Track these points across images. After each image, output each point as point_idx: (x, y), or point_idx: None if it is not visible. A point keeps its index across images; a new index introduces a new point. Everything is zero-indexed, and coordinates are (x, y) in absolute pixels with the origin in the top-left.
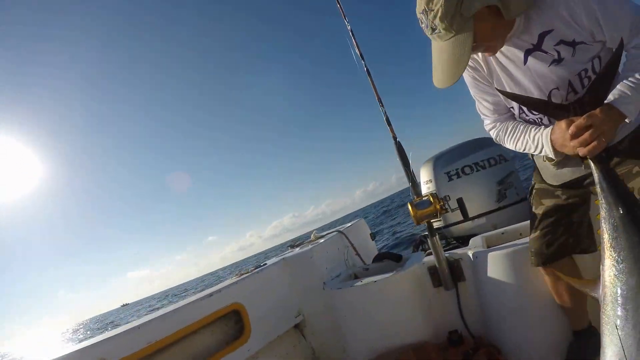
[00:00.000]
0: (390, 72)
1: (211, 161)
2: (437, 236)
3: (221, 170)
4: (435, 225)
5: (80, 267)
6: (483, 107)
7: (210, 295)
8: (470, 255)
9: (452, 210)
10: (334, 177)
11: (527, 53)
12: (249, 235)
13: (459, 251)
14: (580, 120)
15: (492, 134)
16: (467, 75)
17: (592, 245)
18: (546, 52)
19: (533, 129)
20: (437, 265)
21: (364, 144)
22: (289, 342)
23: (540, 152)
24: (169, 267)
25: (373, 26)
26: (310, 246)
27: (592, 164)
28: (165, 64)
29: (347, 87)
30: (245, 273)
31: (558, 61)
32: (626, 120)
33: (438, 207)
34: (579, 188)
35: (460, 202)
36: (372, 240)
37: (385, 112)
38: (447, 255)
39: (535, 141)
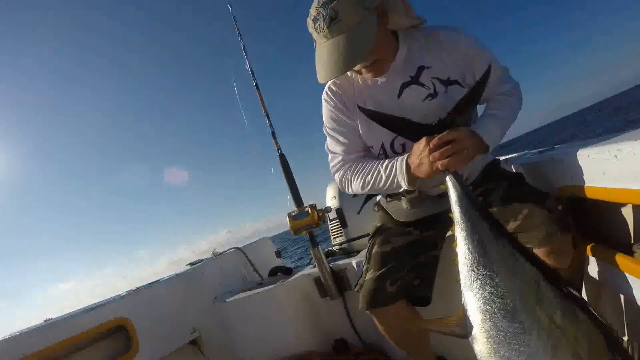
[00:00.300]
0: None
1: (145, 173)
2: (319, 247)
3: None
4: (338, 239)
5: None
6: (335, 143)
7: (93, 309)
8: (354, 264)
9: (331, 221)
10: (269, 194)
11: (403, 86)
12: (183, 249)
13: (344, 261)
14: (443, 134)
15: (338, 175)
16: (326, 108)
17: (429, 298)
18: (423, 85)
19: (387, 160)
20: (321, 276)
21: (304, 161)
22: (185, 358)
23: (391, 183)
24: (97, 280)
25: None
26: (203, 263)
27: (449, 182)
28: None
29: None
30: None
31: (433, 96)
32: (488, 148)
33: (316, 217)
34: (434, 227)
35: (339, 212)
36: (278, 257)
37: (271, 125)
38: (331, 266)
39: (388, 170)
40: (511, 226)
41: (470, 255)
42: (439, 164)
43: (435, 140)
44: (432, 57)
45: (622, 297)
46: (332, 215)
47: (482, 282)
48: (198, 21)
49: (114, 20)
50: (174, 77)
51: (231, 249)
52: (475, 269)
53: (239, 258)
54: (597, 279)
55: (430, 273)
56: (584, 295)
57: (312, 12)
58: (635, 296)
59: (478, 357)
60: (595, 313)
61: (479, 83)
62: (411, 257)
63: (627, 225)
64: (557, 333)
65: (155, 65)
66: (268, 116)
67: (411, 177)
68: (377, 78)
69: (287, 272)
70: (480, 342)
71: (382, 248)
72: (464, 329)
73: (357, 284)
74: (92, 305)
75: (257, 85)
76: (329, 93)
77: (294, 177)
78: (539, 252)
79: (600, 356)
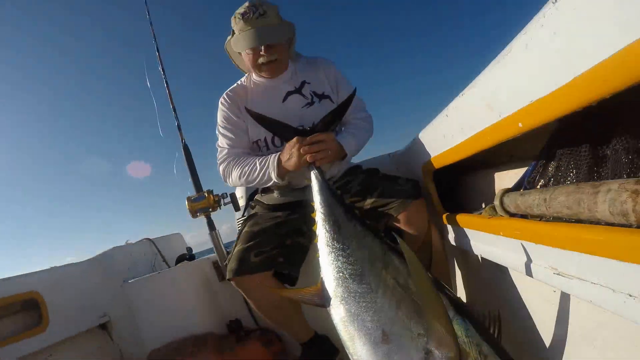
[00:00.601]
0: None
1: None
2: (216, 231)
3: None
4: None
5: None
6: (224, 139)
7: (4, 280)
8: None
9: (225, 204)
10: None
11: (288, 94)
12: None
13: None
14: (314, 135)
15: (222, 166)
16: (221, 110)
17: (295, 278)
18: (303, 95)
19: (264, 156)
20: (218, 260)
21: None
22: (93, 341)
23: (263, 175)
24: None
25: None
26: (114, 249)
27: (313, 175)
28: None
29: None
30: None
31: (310, 104)
32: (346, 155)
33: (212, 200)
34: (299, 212)
35: (232, 196)
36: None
37: (177, 118)
38: (228, 250)
39: (262, 163)
40: (369, 202)
41: (327, 234)
42: (307, 157)
43: (308, 140)
44: (312, 75)
45: (467, 253)
46: (227, 200)
47: (336, 255)
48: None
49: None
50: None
51: (143, 239)
52: (330, 244)
53: (149, 249)
54: (453, 243)
55: (296, 256)
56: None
57: (242, 10)
58: (473, 247)
59: (335, 322)
60: (430, 274)
61: (347, 101)
62: (277, 237)
63: (479, 191)
64: (400, 291)
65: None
66: (175, 109)
67: (281, 170)
68: (269, 78)
69: (191, 258)
70: (335, 306)
71: (252, 228)
72: (322, 298)
73: (226, 260)
74: (4, 277)
75: (166, 83)
76: (226, 97)
77: (195, 165)
78: (400, 219)
79: (436, 309)
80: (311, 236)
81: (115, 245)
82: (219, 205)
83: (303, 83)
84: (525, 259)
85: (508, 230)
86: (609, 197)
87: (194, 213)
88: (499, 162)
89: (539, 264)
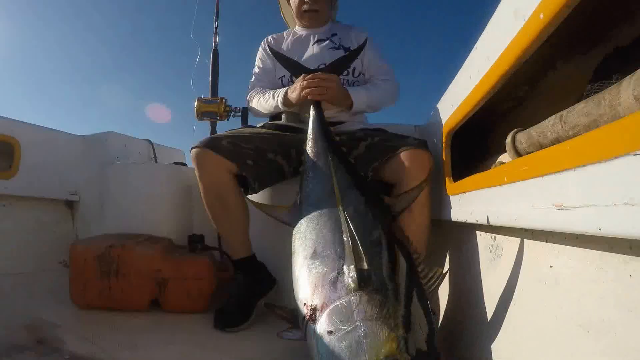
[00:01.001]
0: None
1: None
2: None
3: None
4: None
5: None
6: (256, 75)
7: None
8: None
9: (235, 115)
10: None
11: (319, 41)
12: None
13: None
14: (316, 74)
15: (249, 94)
16: (259, 52)
17: (255, 189)
18: (332, 41)
19: (280, 89)
20: None
21: None
22: (54, 213)
23: (272, 101)
24: None
25: None
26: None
27: (311, 109)
28: None
29: None
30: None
31: (335, 49)
32: (352, 105)
33: (222, 108)
34: (294, 133)
35: (244, 111)
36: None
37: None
38: None
39: (276, 94)
40: (364, 143)
41: (311, 161)
42: (305, 92)
43: (309, 76)
44: (345, 33)
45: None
46: (238, 113)
47: (309, 181)
48: None
49: None
50: None
51: (144, 139)
52: (311, 170)
53: (146, 150)
54: (455, 218)
55: (267, 173)
56: None
57: None
58: (472, 213)
59: (294, 239)
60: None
61: (358, 48)
62: (261, 144)
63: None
64: (340, 222)
65: None
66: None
67: (286, 100)
68: (307, 28)
69: (183, 165)
70: (296, 225)
71: (242, 130)
72: (291, 218)
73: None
74: None
75: None
76: (265, 40)
77: (219, 72)
78: (403, 156)
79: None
80: (295, 166)
81: (112, 131)
82: (228, 116)
83: (334, 35)
84: (526, 204)
85: (511, 172)
86: (634, 79)
87: (200, 114)
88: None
89: (541, 205)
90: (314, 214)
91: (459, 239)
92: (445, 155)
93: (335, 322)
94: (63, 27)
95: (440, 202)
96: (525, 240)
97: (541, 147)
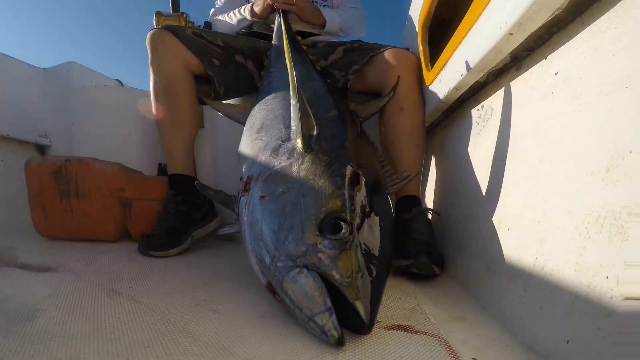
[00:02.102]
0: None
1: None
2: None
3: None
4: None
5: None
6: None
7: None
8: None
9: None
10: None
11: None
12: None
13: None
14: None
15: (211, 15)
16: None
17: (218, 93)
18: None
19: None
20: None
21: None
22: (22, 158)
23: (240, 16)
24: None
25: None
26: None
27: (277, 16)
28: None
29: None
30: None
31: None
32: (325, 24)
33: (182, 23)
34: (267, 45)
35: (207, 25)
36: None
37: None
38: None
39: (241, 9)
40: (341, 48)
41: (271, 62)
42: (269, 0)
43: None
44: None
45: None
46: (202, 26)
47: (269, 78)
48: None
49: None
50: None
51: (114, 78)
52: (269, 70)
53: (118, 86)
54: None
55: (234, 75)
56: None
57: None
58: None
59: (245, 126)
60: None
61: None
62: (230, 43)
63: None
64: (315, 99)
65: None
66: None
67: (252, 10)
68: None
69: None
70: (254, 111)
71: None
72: (245, 117)
73: None
74: None
75: None
76: None
77: None
78: (388, 54)
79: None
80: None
81: (74, 61)
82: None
83: None
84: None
85: None
86: None
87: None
88: None
89: None
90: (267, 98)
91: (447, 138)
92: (422, 47)
93: (270, 185)
94: None
95: (424, 99)
96: (512, 77)
97: None
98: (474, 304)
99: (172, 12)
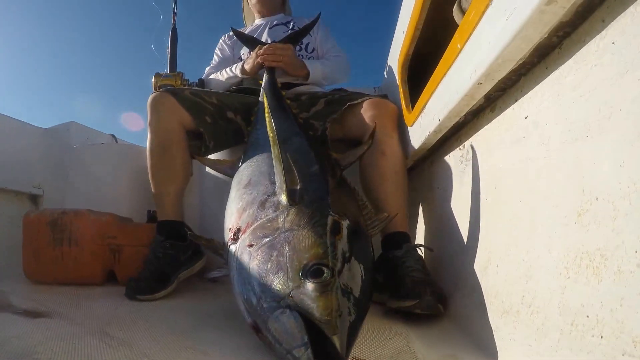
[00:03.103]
0: None
1: None
2: None
3: None
4: None
5: None
6: (216, 60)
7: None
8: None
9: (189, 85)
10: None
11: (276, 25)
12: None
13: None
14: (270, 44)
15: (205, 76)
16: (220, 42)
17: (208, 148)
18: (287, 27)
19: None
20: None
21: None
22: (18, 208)
23: (231, 74)
24: None
25: None
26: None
27: (265, 74)
28: None
29: None
30: None
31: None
32: (308, 74)
33: (179, 82)
34: (254, 94)
35: (201, 82)
36: None
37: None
38: None
39: (233, 67)
40: (323, 100)
41: (258, 119)
42: (259, 59)
43: (266, 45)
44: (300, 22)
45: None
46: (195, 83)
47: (259, 132)
48: None
49: None
50: None
51: (109, 134)
52: (258, 123)
53: (111, 144)
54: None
55: (224, 133)
56: None
57: None
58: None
59: (233, 181)
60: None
61: (311, 23)
62: (223, 101)
63: None
64: (298, 155)
65: None
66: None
67: (243, 70)
68: (263, 17)
69: None
70: (241, 168)
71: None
72: (234, 170)
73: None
74: None
75: None
76: (224, 36)
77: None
78: (367, 104)
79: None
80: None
81: (74, 121)
82: (184, 86)
83: (290, 21)
84: (482, 46)
85: (462, 30)
86: None
87: (157, 88)
88: None
89: (499, 28)
90: (254, 154)
91: (433, 177)
92: (402, 89)
93: (258, 235)
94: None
95: (405, 141)
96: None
97: None
98: (467, 342)
99: (170, 72)
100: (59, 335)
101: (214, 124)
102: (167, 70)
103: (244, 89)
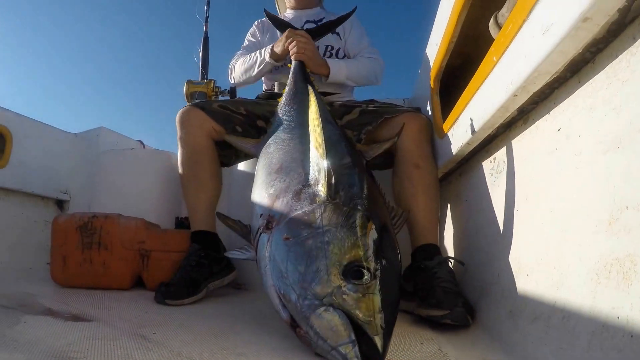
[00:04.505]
0: None
1: None
2: None
3: None
4: None
5: None
6: (246, 44)
7: None
8: None
9: (222, 95)
10: None
11: (307, 22)
12: None
13: None
14: (300, 31)
15: (232, 61)
16: (252, 27)
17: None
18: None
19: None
20: None
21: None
22: (44, 211)
23: (259, 57)
24: None
25: None
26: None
27: (293, 62)
28: None
29: None
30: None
31: None
32: (329, 73)
33: (211, 88)
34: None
35: (232, 90)
36: None
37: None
38: None
39: (261, 52)
40: (357, 110)
41: (286, 101)
42: (287, 46)
43: (290, 33)
44: (332, 17)
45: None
46: (227, 90)
47: (282, 114)
48: None
49: None
50: None
51: (137, 140)
52: (282, 108)
53: (139, 149)
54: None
55: (252, 138)
56: None
57: None
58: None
59: (258, 162)
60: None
61: (342, 17)
62: (252, 109)
63: None
64: (329, 145)
65: None
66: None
67: (272, 51)
68: (296, 10)
69: None
70: (262, 153)
71: (236, 99)
72: (258, 149)
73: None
74: None
75: None
76: (257, 22)
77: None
78: (402, 118)
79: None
80: None
81: (103, 126)
82: (217, 96)
83: (322, 19)
84: (517, 64)
85: (499, 43)
86: None
87: (189, 97)
88: None
89: (534, 45)
90: (283, 137)
91: (462, 188)
92: (434, 101)
93: (294, 229)
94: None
95: (437, 152)
96: (520, 130)
97: None
98: (497, 347)
99: (201, 79)
100: (93, 336)
101: (244, 133)
102: (198, 78)
103: (274, 94)
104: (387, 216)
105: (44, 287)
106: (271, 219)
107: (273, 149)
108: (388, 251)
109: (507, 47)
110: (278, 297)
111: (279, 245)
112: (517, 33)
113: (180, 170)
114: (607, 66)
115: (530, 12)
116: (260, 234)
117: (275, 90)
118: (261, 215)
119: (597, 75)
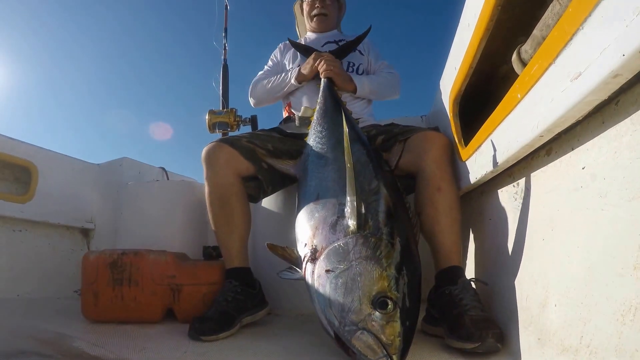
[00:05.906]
0: None
1: None
2: None
3: None
4: None
5: None
6: (269, 66)
7: (13, 140)
8: None
9: (244, 124)
10: None
11: (327, 43)
12: None
13: None
14: (326, 53)
15: (253, 81)
16: (276, 50)
17: (259, 196)
18: (337, 44)
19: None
20: None
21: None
22: (69, 241)
23: (284, 78)
24: None
25: None
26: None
27: (322, 81)
28: None
29: None
30: None
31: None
32: (356, 89)
33: (232, 118)
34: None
35: (253, 118)
36: None
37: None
38: None
39: (288, 73)
40: (381, 138)
41: (316, 121)
42: (315, 64)
43: (317, 55)
44: (350, 38)
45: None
46: (248, 119)
47: (315, 137)
48: None
49: None
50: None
51: (159, 167)
52: (315, 129)
53: (160, 177)
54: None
55: (279, 180)
56: None
57: None
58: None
59: (299, 188)
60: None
61: (361, 35)
62: (277, 145)
63: None
64: (359, 169)
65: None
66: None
67: (299, 73)
68: (316, 33)
69: None
70: (300, 175)
71: (258, 133)
72: (297, 169)
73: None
74: (11, 137)
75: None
76: (280, 45)
77: (229, 86)
78: (417, 137)
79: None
80: None
81: (127, 157)
82: (238, 126)
83: (341, 40)
84: (542, 105)
85: (523, 81)
86: None
87: (211, 127)
88: None
89: (560, 89)
90: (318, 164)
91: (485, 207)
92: (454, 124)
93: (333, 261)
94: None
95: (458, 174)
96: (544, 161)
97: None
98: None
99: (222, 108)
100: None
101: (271, 169)
102: (219, 107)
103: (294, 134)
104: (411, 230)
105: (76, 324)
106: (314, 250)
107: (310, 177)
108: (409, 271)
109: (532, 86)
110: (326, 320)
111: (321, 278)
112: (542, 74)
113: (209, 208)
114: (632, 112)
115: (556, 57)
116: (307, 263)
117: (294, 130)
118: (305, 245)
119: (622, 121)
